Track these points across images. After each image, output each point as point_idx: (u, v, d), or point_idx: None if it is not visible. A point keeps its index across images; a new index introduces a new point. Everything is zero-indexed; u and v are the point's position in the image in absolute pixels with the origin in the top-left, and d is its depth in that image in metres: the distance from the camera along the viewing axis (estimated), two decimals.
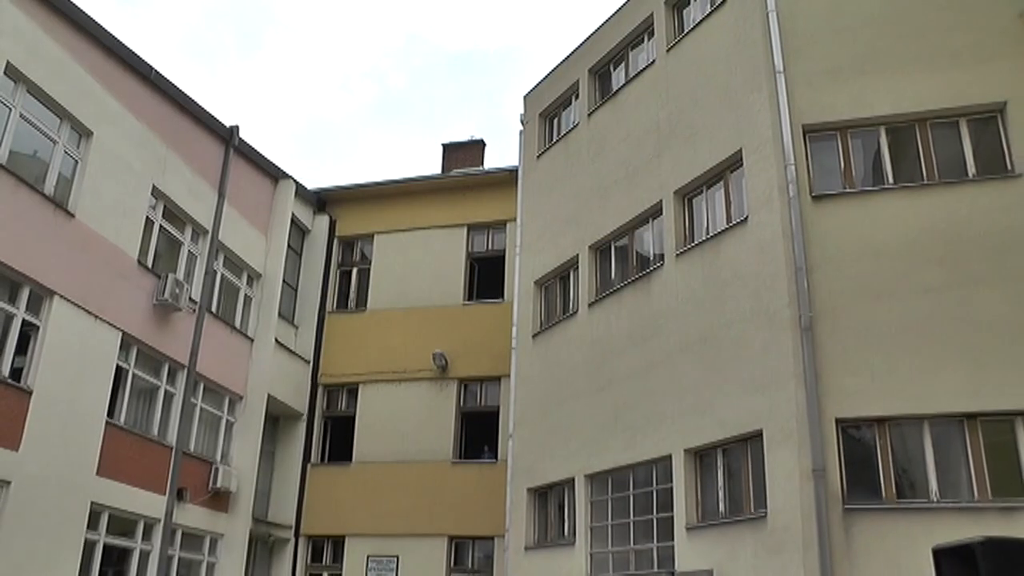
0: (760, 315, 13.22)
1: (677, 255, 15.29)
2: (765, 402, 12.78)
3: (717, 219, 14.90)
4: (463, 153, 26.75)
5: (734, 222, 14.26)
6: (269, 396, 21.61)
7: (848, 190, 13.27)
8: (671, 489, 14.27)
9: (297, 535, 22.44)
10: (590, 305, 17.40)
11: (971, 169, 12.81)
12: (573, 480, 16.67)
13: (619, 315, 16.48)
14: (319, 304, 24.21)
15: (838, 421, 12.13)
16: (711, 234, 14.76)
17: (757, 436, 12.87)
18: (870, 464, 12.02)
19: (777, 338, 12.81)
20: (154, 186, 18.58)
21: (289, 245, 23.36)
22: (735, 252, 14.05)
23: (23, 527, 14.62)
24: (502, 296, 22.27)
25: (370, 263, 24.60)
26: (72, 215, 16.23)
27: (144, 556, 17.90)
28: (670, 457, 14.38)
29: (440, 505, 21.05)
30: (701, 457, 14.09)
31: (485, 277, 23.32)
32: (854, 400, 12.13)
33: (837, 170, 13.49)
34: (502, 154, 63.87)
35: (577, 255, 18.07)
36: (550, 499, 17.80)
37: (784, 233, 13.08)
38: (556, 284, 19.09)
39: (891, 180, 13.12)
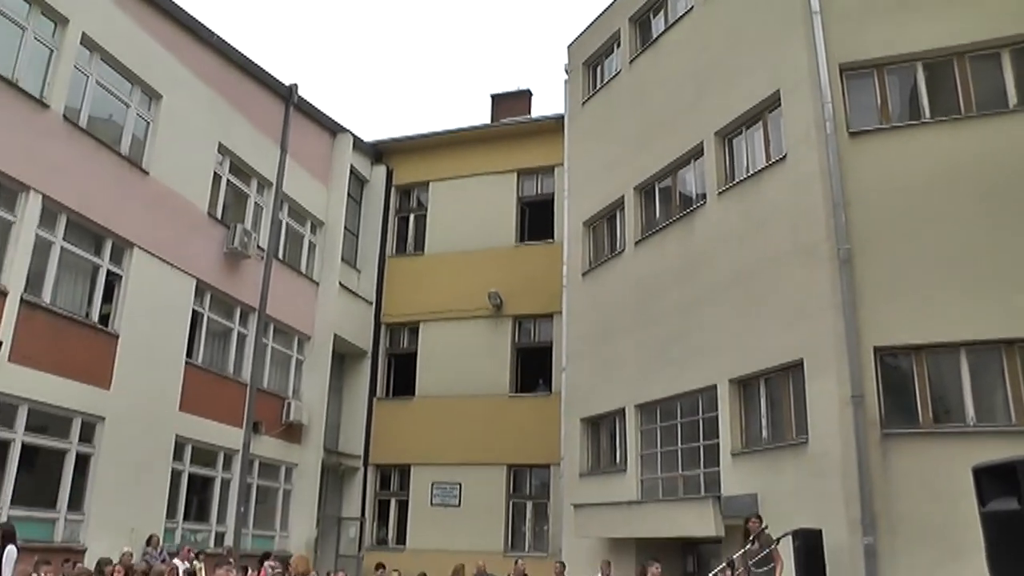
0: (799, 249, 13.09)
1: (718, 194, 15.15)
2: (805, 332, 12.71)
3: (756, 158, 14.69)
4: (511, 103, 26.61)
5: (773, 160, 14.05)
6: (335, 335, 22.12)
7: (884, 126, 12.95)
8: (716, 417, 14.35)
9: (366, 464, 23.09)
10: (636, 244, 17.36)
11: (1012, 100, 12.40)
12: (624, 410, 16.82)
13: (664, 253, 16.43)
14: (379, 249, 24.56)
15: (876, 349, 12.03)
16: (750, 173, 14.58)
17: (798, 365, 12.84)
18: (907, 390, 11.94)
19: (816, 271, 12.70)
20: (220, 143, 18.92)
21: (349, 194, 23.68)
22: (774, 189, 13.88)
23: (117, 458, 15.36)
24: (552, 237, 22.34)
25: (426, 209, 24.86)
26: (146, 173, 16.65)
27: (225, 484, 18.66)
28: (715, 387, 14.42)
29: (498, 435, 21.43)
30: (744, 387, 14.12)
31: (535, 220, 23.38)
32: (891, 329, 12.01)
33: (873, 107, 13.16)
34: (549, 103, 63.10)
35: (623, 196, 17.98)
36: (602, 429, 18.01)
37: (821, 170, 12.87)
38: (603, 224, 19.05)
39: (928, 115, 12.78)
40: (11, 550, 11.51)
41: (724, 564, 10.18)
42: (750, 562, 10.75)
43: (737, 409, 14.08)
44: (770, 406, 13.62)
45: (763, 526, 11.31)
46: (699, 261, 15.33)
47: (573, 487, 18.04)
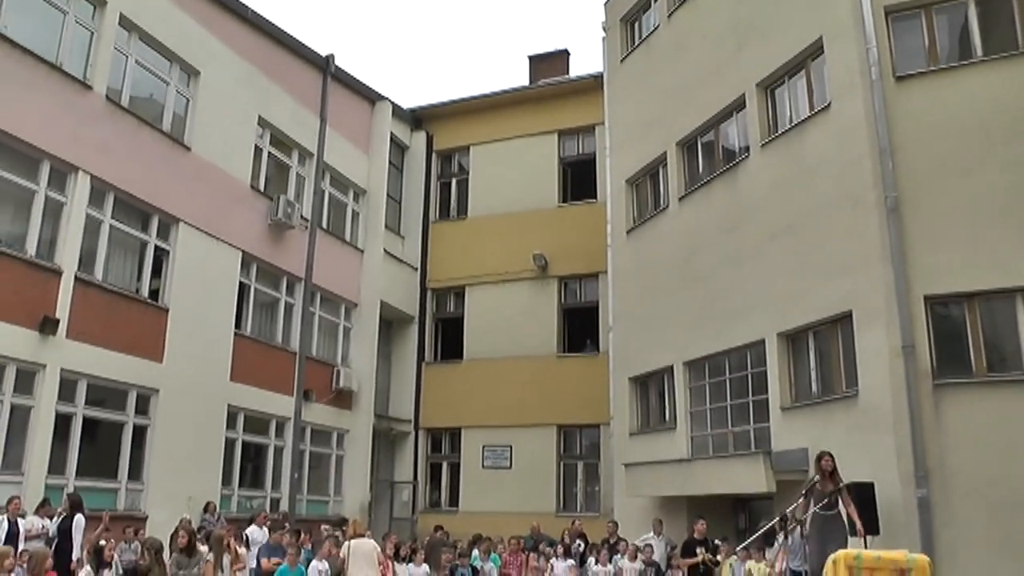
0: (845, 199, 12.86)
1: (761, 146, 14.91)
2: (853, 283, 12.52)
3: (799, 108, 14.39)
4: (549, 64, 26.37)
5: (816, 110, 13.75)
6: (381, 302, 22.38)
7: (932, 68, 12.58)
8: (765, 372, 14.26)
9: (416, 428, 23.42)
10: (679, 200, 17.20)
11: None
12: (672, 368, 16.79)
13: (708, 208, 16.27)
14: (422, 215, 24.70)
15: (926, 298, 11.81)
16: (794, 123, 14.29)
17: (846, 317, 12.67)
18: (959, 339, 11.70)
19: (863, 220, 12.47)
20: (260, 116, 19.11)
21: (390, 162, 23.79)
22: (818, 139, 13.62)
23: (172, 429, 15.82)
24: (595, 196, 22.23)
25: (467, 173, 24.88)
26: (188, 149, 16.91)
27: (278, 451, 19.10)
28: (763, 342, 14.31)
29: (548, 397, 21.54)
30: (793, 340, 13.98)
31: (577, 179, 23.28)
32: (942, 277, 11.76)
33: (920, 49, 12.77)
34: (587, 62, 62.30)
35: (665, 152, 17.78)
36: (651, 387, 18.01)
37: (867, 116, 12.57)
38: (646, 181, 18.88)
39: (980, 53, 12.36)
40: (79, 519, 12.02)
41: (777, 518, 10.09)
42: (818, 506, 10.16)
43: (786, 363, 13.97)
44: (819, 359, 13.49)
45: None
46: (744, 215, 15.16)
47: (623, 446, 18.11)
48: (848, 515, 9.85)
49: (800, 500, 10.42)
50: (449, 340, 24.11)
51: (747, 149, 15.43)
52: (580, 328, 22.37)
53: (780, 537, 10.52)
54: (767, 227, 14.50)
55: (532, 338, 22.34)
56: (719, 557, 12.52)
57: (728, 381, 15.39)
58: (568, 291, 22.80)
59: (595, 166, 22.45)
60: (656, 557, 13.64)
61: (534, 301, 22.63)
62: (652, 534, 14.74)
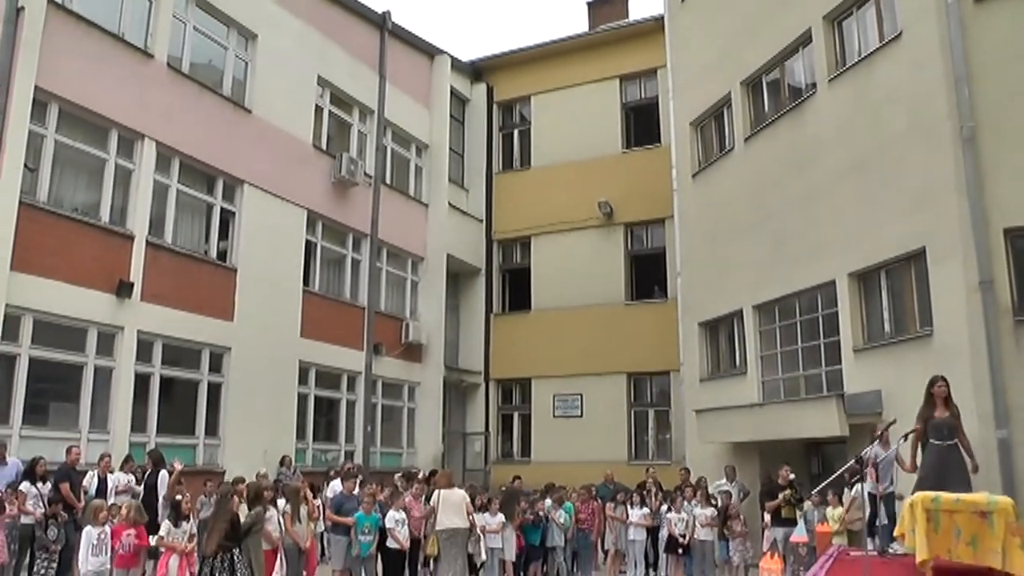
0: (918, 131, 12.36)
1: (829, 81, 14.39)
2: (927, 219, 12.08)
3: (869, 39, 13.80)
4: (607, 9, 25.79)
5: (887, 39, 13.18)
6: (448, 255, 22.52)
7: None
8: (836, 314, 13.94)
9: (487, 379, 23.61)
10: (746, 140, 16.79)
11: None
12: (741, 312, 16.55)
13: (774, 148, 15.85)
14: (485, 166, 24.63)
15: (1006, 232, 11.31)
16: (863, 55, 13.71)
17: (920, 254, 12.26)
18: None
19: (937, 153, 11.98)
20: (319, 76, 19.21)
21: (451, 115, 23.75)
22: (889, 71, 13.07)
23: (246, 385, 16.27)
24: (659, 141, 21.87)
25: (530, 123, 24.68)
26: (249, 111, 17.13)
27: (351, 405, 19.49)
28: (833, 282, 13.97)
29: (616, 345, 21.46)
30: (864, 280, 13.61)
31: (640, 124, 22.89)
32: (1023, 208, 11.29)
33: None
34: (646, 4, 60.76)
35: (729, 93, 17.33)
36: (720, 332, 17.80)
37: (942, 44, 11.99)
38: (711, 123, 18.46)
39: None
40: (164, 474, 12.50)
41: (852, 461, 9.89)
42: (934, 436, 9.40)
43: (857, 303, 13.63)
44: (892, 298, 13.12)
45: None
46: (812, 153, 14.74)
47: (694, 393, 17.99)
48: (964, 448, 9.11)
49: (876, 442, 10.24)
50: (516, 291, 24.15)
51: (814, 85, 14.94)
52: (647, 274, 22.15)
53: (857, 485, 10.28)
54: (836, 165, 14.08)
55: (599, 286, 22.21)
56: (805, 505, 12.34)
57: (798, 324, 15.10)
58: (634, 237, 22.57)
59: (658, 110, 22.06)
60: (731, 503, 13.54)
61: (600, 249, 22.47)
62: (725, 480, 14.67)
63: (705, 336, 18.05)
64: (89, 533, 8.89)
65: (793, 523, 12.08)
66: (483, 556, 11.82)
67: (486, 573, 12.19)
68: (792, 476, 12.72)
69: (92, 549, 8.82)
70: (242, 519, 9.22)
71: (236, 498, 9.61)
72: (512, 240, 24.29)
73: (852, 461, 9.83)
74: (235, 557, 8.85)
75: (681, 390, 19.10)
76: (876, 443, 10.34)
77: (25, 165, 12.84)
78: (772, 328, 15.84)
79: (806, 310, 14.95)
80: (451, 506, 11.39)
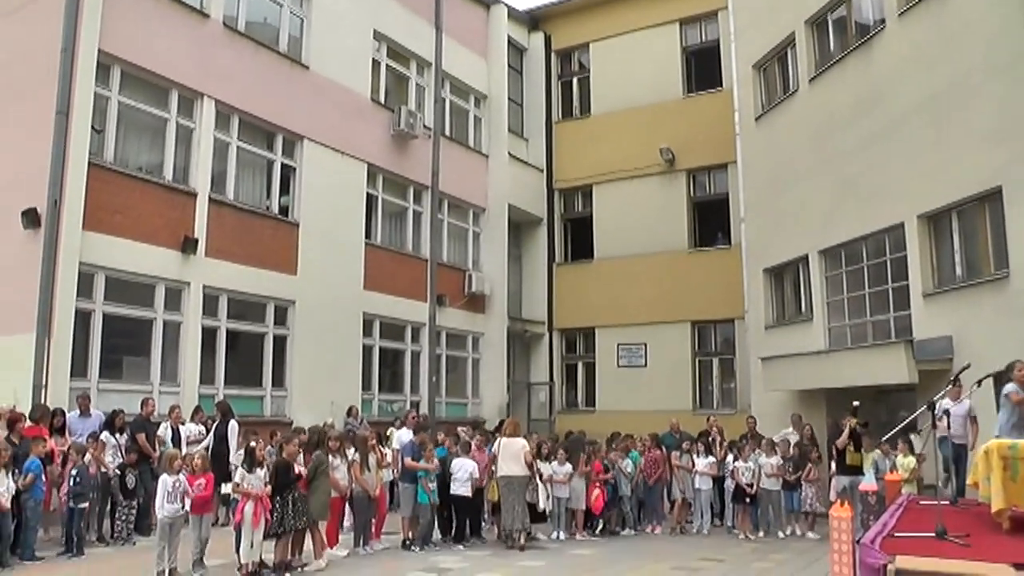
0: (995, 65, 11.77)
1: (899, 15, 13.77)
2: (1004, 157, 11.55)
3: None
4: None
5: None
6: (509, 205, 22.40)
7: None
8: (905, 257, 13.52)
9: (550, 329, 23.59)
10: (810, 81, 16.25)
11: None
12: (807, 257, 16.19)
13: (841, 87, 15.30)
14: (545, 115, 24.34)
15: None
16: None
17: (995, 194, 11.75)
18: None
19: (1015, 89, 11.40)
20: (375, 30, 19.09)
21: (509, 65, 23.42)
22: (964, 2, 12.45)
23: (311, 337, 16.52)
24: (720, 85, 21.29)
25: (588, 71, 24.22)
26: (307, 67, 17.15)
27: (415, 356, 19.66)
28: (902, 225, 13.53)
29: (680, 293, 21.18)
30: (935, 222, 13.14)
31: (701, 68, 22.24)
32: None
33: None
34: None
35: (793, 32, 16.76)
36: (785, 278, 17.44)
37: None
38: (774, 65, 17.90)
39: None
40: (233, 424, 12.81)
41: (924, 407, 9.56)
42: None
43: (927, 246, 13.19)
44: (964, 241, 12.66)
45: None
46: (880, 92, 14.21)
47: (759, 340, 17.72)
48: None
49: (949, 387, 9.89)
50: (579, 240, 23.95)
51: (882, 21, 14.36)
52: (710, 221, 21.74)
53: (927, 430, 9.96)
54: (905, 103, 13.56)
55: (662, 234, 21.88)
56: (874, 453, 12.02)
57: (865, 268, 14.70)
58: (697, 184, 22.13)
59: (719, 53, 21.40)
60: (783, 453, 13.32)
61: (663, 196, 22.09)
62: (791, 429, 14.45)
63: (770, 283, 17.72)
64: (165, 481, 9.17)
65: (860, 471, 11.82)
66: (542, 504, 11.86)
67: (552, 521, 12.26)
68: (856, 404, 12.32)
69: (168, 496, 9.10)
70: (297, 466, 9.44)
71: (292, 445, 9.81)
72: (573, 189, 24.05)
73: (923, 407, 9.51)
74: (288, 500, 9.07)
75: (746, 338, 18.83)
76: (947, 392, 10.04)
77: (92, 127, 13.14)
78: (838, 273, 15.46)
79: (873, 254, 14.53)
80: (511, 454, 11.49)
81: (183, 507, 9.21)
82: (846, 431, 11.98)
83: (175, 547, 9.03)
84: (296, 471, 9.47)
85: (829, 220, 15.38)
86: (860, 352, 14.24)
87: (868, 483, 11.56)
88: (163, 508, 9.08)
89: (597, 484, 12.59)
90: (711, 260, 21.10)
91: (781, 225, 17.01)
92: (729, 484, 13.23)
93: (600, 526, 12.83)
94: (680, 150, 21.74)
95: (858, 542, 5.59)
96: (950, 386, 9.98)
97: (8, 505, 9.19)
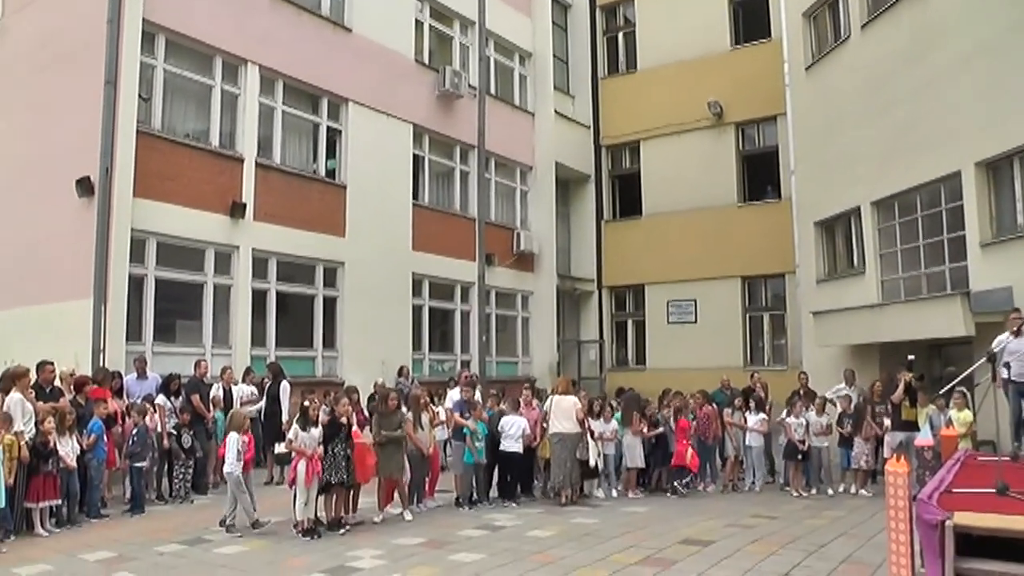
0: None
1: None
2: None
3: None
4: None
5: None
6: (556, 163, 22.04)
7: None
8: (961, 207, 12.92)
9: (600, 287, 23.32)
10: (862, 27, 15.54)
11: None
12: (859, 209, 15.62)
13: (895, 33, 14.60)
14: (590, 72, 23.84)
15: None
16: None
17: None
18: None
19: None
20: None
21: (553, 22, 22.96)
22: None
23: (361, 298, 16.50)
24: (769, 35, 20.53)
25: (634, 26, 23.60)
26: (349, 30, 16.94)
27: (465, 315, 19.58)
28: (958, 173, 12.91)
29: (729, 248, 20.72)
30: (993, 170, 12.51)
31: (749, 18, 21.49)
32: None
33: None
34: None
35: None
36: (837, 231, 16.90)
37: None
38: (824, 12, 17.18)
39: None
40: (285, 385, 12.86)
41: (984, 359, 9.16)
42: None
43: (985, 195, 12.58)
44: None
45: None
46: (936, 37, 13.53)
47: (810, 295, 17.25)
48: None
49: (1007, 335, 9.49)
50: (627, 196, 23.51)
51: None
52: (760, 175, 21.12)
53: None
54: (963, 48, 12.88)
55: (711, 188, 21.35)
56: (929, 408, 11.60)
57: (919, 219, 14.12)
58: (745, 137, 21.51)
59: (767, 2, 20.66)
60: (842, 408, 12.92)
61: (711, 150, 21.53)
62: (844, 385, 14.00)
63: (821, 236, 17.20)
64: (234, 439, 9.25)
65: (915, 427, 11.41)
66: (593, 461, 11.69)
67: (603, 479, 12.09)
68: (911, 358, 11.89)
69: (238, 455, 9.20)
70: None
71: (342, 403, 9.75)
72: (621, 145, 23.58)
73: (983, 359, 9.11)
74: (336, 455, 9.11)
75: (797, 293, 18.35)
76: (1007, 334, 9.64)
77: (139, 95, 13.17)
78: (891, 225, 14.90)
79: (928, 204, 13.95)
80: (562, 411, 11.33)
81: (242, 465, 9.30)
82: (901, 386, 11.57)
83: (244, 501, 9.13)
84: (345, 427, 9.41)
85: (882, 170, 14.79)
86: (914, 305, 13.73)
87: (924, 438, 11.18)
88: (233, 464, 9.16)
89: (687, 441, 12.31)
90: (760, 214, 20.55)
91: (832, 177, 16.43)
92: (781, 440, 12.92)
93: (687, 480, 12.55)
94: (728, 103, 21.13)
95: (915, 498, 5.38)
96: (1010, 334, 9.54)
97: (74, 465, 9.32)
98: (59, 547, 8.22)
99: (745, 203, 21.14)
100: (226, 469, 9.29)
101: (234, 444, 9.22)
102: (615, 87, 23.66)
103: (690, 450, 12.19)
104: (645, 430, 12.26)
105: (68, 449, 9.26)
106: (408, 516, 9.90)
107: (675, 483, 12.12)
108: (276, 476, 12.32)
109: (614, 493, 11.95)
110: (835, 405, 12.93)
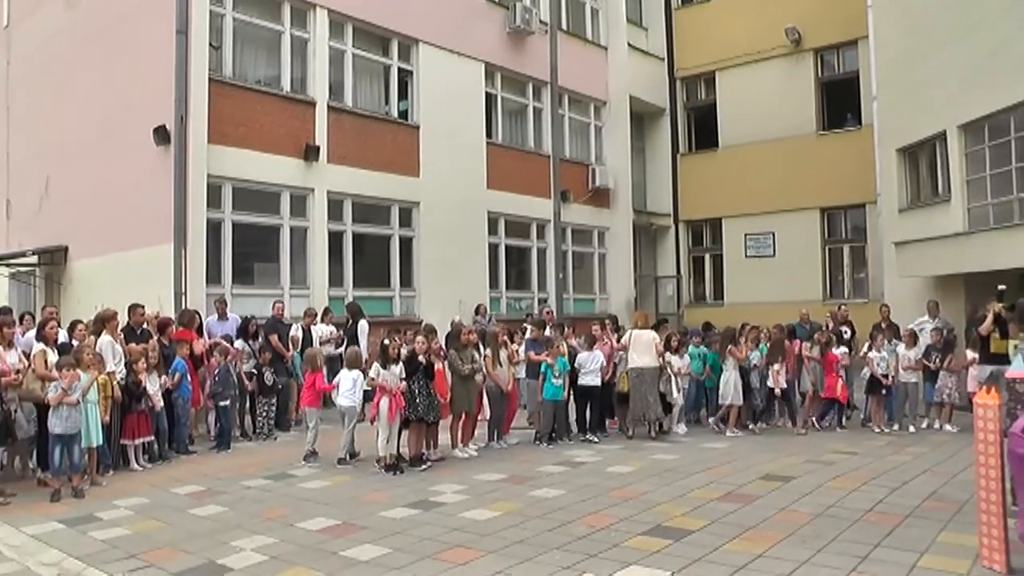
0: None
1: None
2: None
3: None
4: None
5: None
6: (630, 96, 21.37)
7: None
8: None
9: (676, 222, 22.71)
10: None
11: None
12: (944, 134, 14.60)
13: None
14: (664, 3, 22.94)
15: None
16: None
17: None
18: None
19: None
20: None
21: None
22: None
23: (437, 238, 16.37)
24: None
25: None
26: None
27: (541, 253, 19.27)
28: None
29: (808, 179, 19.82)
30: None
31: None
32: None
33: None
34: None
35: None
36: (920, 157, 15.90)
37: None
38: None
39: None
40: (363, 324, 12.84)
41: None
42: None
43: None
44: None
45: None
46: None
47: (892, 225, 16.38)
48: None
49: None
50: (703, 129, 22.67)
51: None
52: (839, 102, 20.02)
53: None
54: None
55: (789, 118, 20.37)
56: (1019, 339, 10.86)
57: (1012, 142, 13.08)
58: (824, 63, 20.36)
59: None
60: (933, 341, 12.21)
61: (789, 78, 20.49)
62: (927, 317, 13.25)
63: (904, 163, 16.22)
64: (346, 375, 9.48)
65: (1005, 360, 10.70)
66: (674, 395, 11.39)
67: (682, 415, 11.77)
68: (1002, 287, 11.16)
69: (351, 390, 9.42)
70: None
71: (419, 340, 9.60)
72: (696, 77, 22.67)
73: None
74: (416, 391, 8.99)
75: (878, 223, 17.46)
76: None
77: (210, 44, 13.08)
78: (980, 149, 13.88)
79: (1021, 126, 12.92)
80: (641, 345, 11.04)
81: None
82: (990, 316, 10.85)
83: (349, 434, 9.34)
84: (424, 363, 9.28)
85: (971, 92, 13.74)
86: (1004, 232, 12.82)
87: (1016, 370, 10.48)
88: (345, 397, 9.38)
89: (837, 374, 11.86)
90: (840, 143, 19.55)
91: (916, 101, 15.39)
92: (864, 374, 12.32)
93: (847, 415, 12.14)
94: (807, 29, 20.02)
95: (1006, 433, 5.00)
96: None
97: (161, 403, 9.46)
98: (152, 481, 8.40)
99: (824, 132, 20.13)
100: (342, 402, 9.42)
101: (348, 378, 9.38)
102: (689, 17, 22.69)
103: (840, 381, 11.72)
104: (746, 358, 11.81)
105: (155, 389, 9.40)
106: (465, 454, 9.71)
107: (815, 419, 11.75)
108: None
109: (720, 430, 11.58)
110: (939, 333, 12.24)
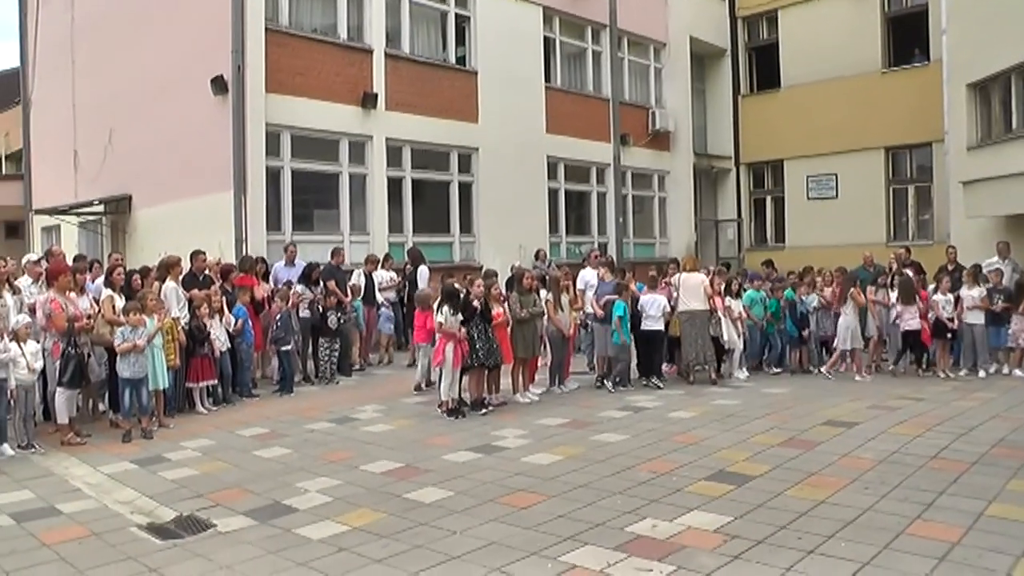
0: None
1: None
2: None
3: None
4: None
5: None
6: (691, 38, 20.69)
7: None
8: None
9: (737, 164, 22.06)
10: None
11: None
12: (1020, 66, 13.79)
13: None
14: None
15: None
16: None
17: None
18: None
19: None
20: None
21: None
22: None
23: (496, 183, 16.15)
24: None
25: None
26: None
27: (601, 197, 18.93)
28: None
29: (872, 118, 18.96)
30: None
31: None
32: None
33: None
34: None
35: None
36: (992, 93, 15.04)
37: None
38: None
39: None
40: (423, 269, 12.78)
41: None
42: None
43: None
44: None
45: None
46: None
47: (960, 164, 15.61)
48: None
49: None
50: (764, 69, 21.82)
51: None
52: (906, 37, 19.02)
53: None
54: None
55: (853, 55, 19.42)
56: None
57: None
58: None
59: None
60: (1004, 282, 11.60)
61: (853, 14, 19.49)
62: (997, 258, 12.59)
63: (975, 99, 15.38)
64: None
65: None
66: (733, 339, 11.08)
67: (743, 360, 11.47)
68: None
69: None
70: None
71: (477, 284, 9.46)
72: (757, 16, 21.76)
73: None
74: (475, 336, 8.85)
75: (946, 161, 16.62)
76: None
77: None
78: None
79: None
80: (690, 289, 10.75)
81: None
82: None
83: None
84: (478, 308, 9.13)
85: None
86: None
87: None
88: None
89: (924, 315, 11.42)
90: (906, 80, 18.63)
91: (989, 33, 14.49)
92: (929, 318, 11.77)
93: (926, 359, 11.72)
94: None
95: None
96: None
97: (225, 347, 9.52)
98: (217, 423, 8.50)
99: (889, 69, 19.20)
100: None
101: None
102: None
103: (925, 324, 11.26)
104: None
105: (217, 333, 9.43)
106: (527, 399, 9.58)
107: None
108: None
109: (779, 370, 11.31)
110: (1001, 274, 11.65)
